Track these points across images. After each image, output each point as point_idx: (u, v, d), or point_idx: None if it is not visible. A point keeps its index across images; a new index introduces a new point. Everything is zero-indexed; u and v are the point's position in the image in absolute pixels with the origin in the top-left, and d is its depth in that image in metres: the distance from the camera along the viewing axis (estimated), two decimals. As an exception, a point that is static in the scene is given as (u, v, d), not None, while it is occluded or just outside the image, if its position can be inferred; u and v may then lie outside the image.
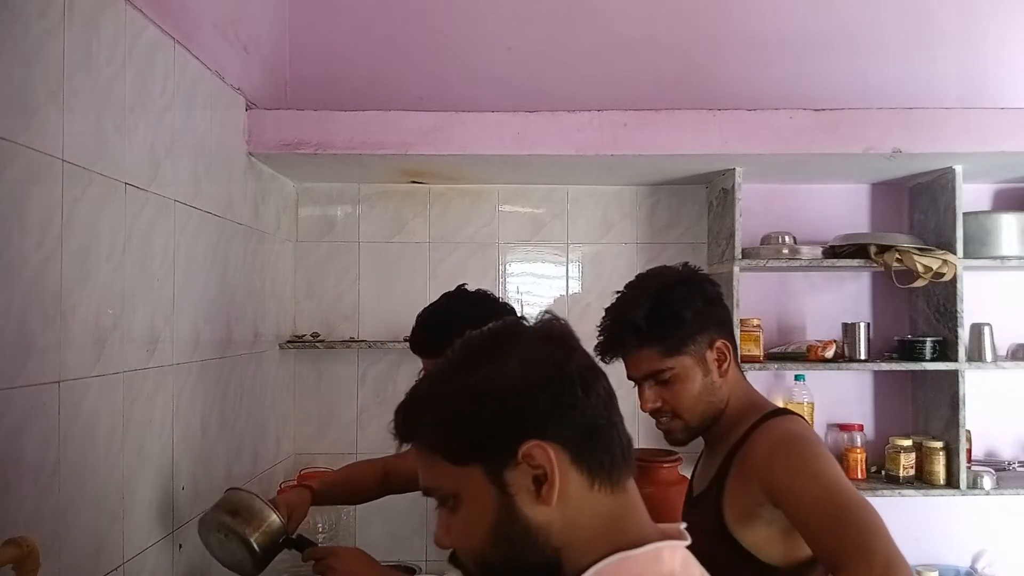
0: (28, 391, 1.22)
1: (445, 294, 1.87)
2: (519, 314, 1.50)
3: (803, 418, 1.50)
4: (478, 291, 1.82)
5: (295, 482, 2.36)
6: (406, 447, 0.87)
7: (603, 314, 1.49)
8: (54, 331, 1.29)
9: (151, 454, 1.63)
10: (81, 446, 1.37)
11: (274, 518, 1.61)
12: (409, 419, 0.86)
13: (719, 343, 1.44)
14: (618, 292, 1.51)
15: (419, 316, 1.84)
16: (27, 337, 1.22)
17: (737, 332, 2.35)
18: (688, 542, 0.86)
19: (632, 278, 1.55)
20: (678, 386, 1.43)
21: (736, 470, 1.39)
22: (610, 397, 0.86)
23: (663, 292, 1.44)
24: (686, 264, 1.53)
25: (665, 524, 0.89)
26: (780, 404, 2.57)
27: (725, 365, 1.44)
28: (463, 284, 1.86)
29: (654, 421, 1.49)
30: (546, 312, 0.96)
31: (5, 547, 1.13)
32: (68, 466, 1.32)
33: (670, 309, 1.41)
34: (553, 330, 0.89)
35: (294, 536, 1.66)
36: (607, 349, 1.44)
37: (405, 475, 1.92)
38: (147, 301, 1.61)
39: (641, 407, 1.46)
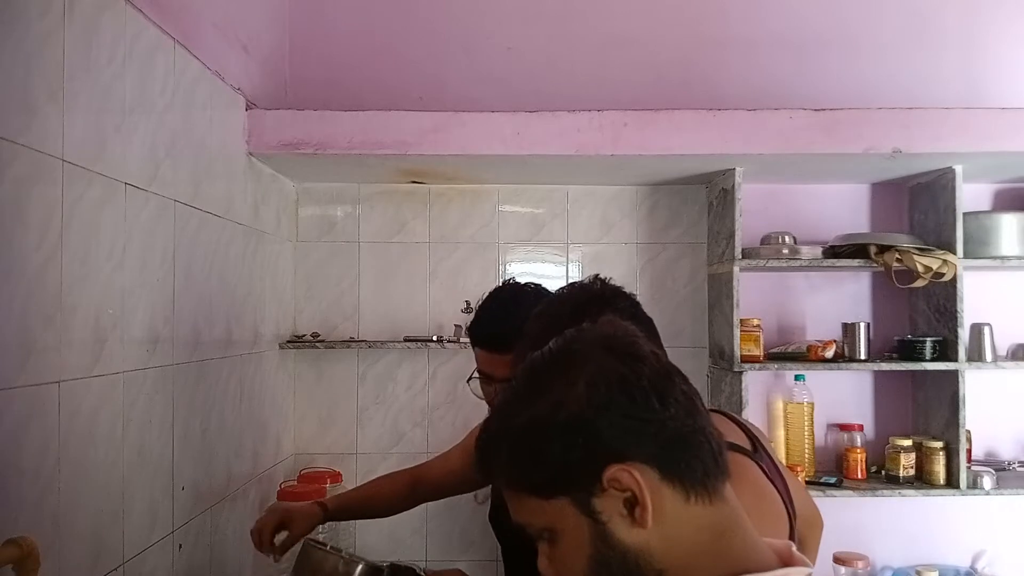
0: (28, 391, 1.23)
1: (497, 287, 1.82)
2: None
3: (733, 448, 1.29)
4: (531, 284, 1.76)
5: (295, 482, 2.37)
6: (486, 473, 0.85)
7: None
8: (54, 331, 1.29)
9: (151, 454, 1.63)
10: (81, 446, 1.37)
11: (360, 568, 1.55)
12: (486, 458, 0.84)
13: None
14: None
15: (477, 309, 1.77)
16: (27, 337, 1.22)
17: (737, 332, 2.36)
18: (811, 569, 0.82)
19: (630, 279, 1.49)
20: None
21: None
22: (690, 399, 0.82)
23: (579, 317, 1.31)
24: (596, 278, 1.39)
25: (774, 541, 0.85)
26: (780, 405, 2.59)
27: None
28: (512, 278, 1.83)
29: None
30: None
31: (5, 547, 1.13)
32: (68, 466, 1.32)
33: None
34: (615, 339, 0.84)
35: (389, 565, 1.57)
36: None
37: (435, 482, 1.90)
38: (147, 301, 1.62)
39: None
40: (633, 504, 0.77)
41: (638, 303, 1.35)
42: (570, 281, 1.56)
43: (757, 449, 1.27)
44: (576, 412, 0.78)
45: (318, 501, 1.85)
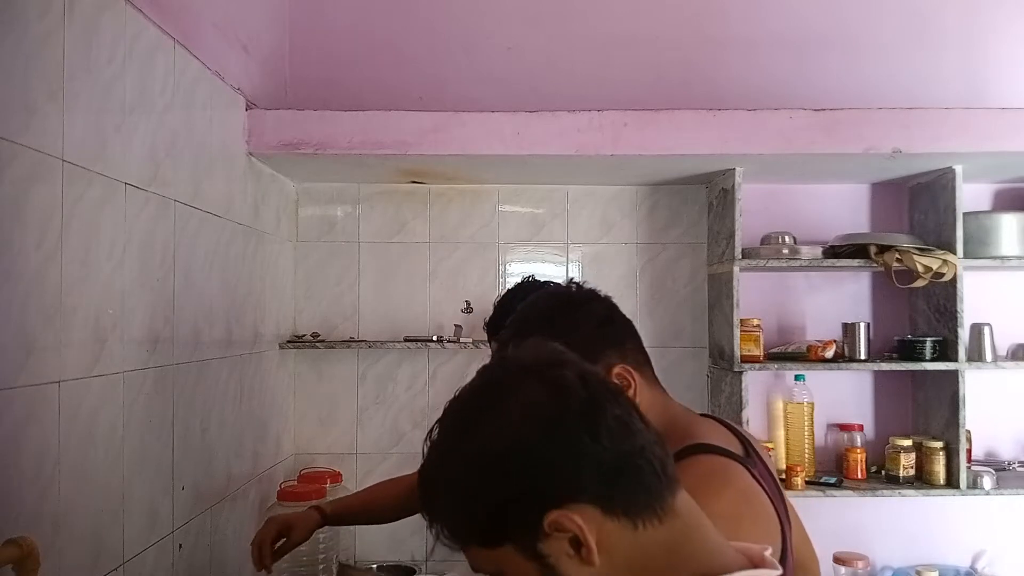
0: (28, 391, 1.22)
1: (517, 283, 1.82)
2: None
3: (723, 453, 1.23)
4: (551, 281, 1.73)
5: (295, 482, 2.37)
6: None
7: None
8: (54, 331, 1.29)
9: (151, 454, 1.63)
10: (81, 446, 1.37)
11: None
12: (428, 508, 0.82)
13: (617, 369, 1.27)
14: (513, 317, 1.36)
15: (495, 303, 1.79)
16: (27, 337, 1.22)
17: (737, 332, 2.36)
18: (779, 572, 0.80)
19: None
20: None
21: None
22: (622, 423, 0.78)
23: (546, 325, 1.27)
24: (571, 282, 1.39)
25: (748, 545, 0.83)
26: (780, 405, 2.59)
27: (630, 390, 1.27)
28: (531, 276, 1.83)
29: None
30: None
31: (5, 547, 1.13)
32: (68, 466, 1.32)
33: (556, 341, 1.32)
34: (538, 370, 0.80)
35: None
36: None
37: None
38: (147, 301, 1.62)
39: None
40: (579, 544, 0.75)
41: (613, 306, 1.33)
42: (550, 285, 1.54)
43: (749, 455, 1.26)
44: (502, 459, 0.76)
45: (316, 506, 1.84)
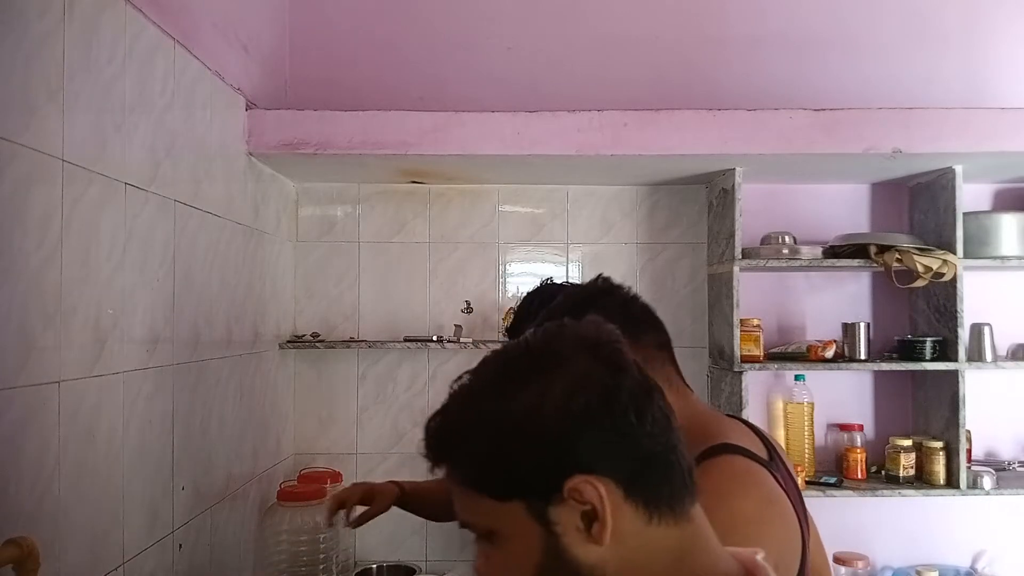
0: (28, 391, 1.22)
1: (536, 287, 1.78)
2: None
3: (752, 455, 1.22)
4: (568, 283, 1.74)
5: (295, 482, 2.37)
6: (440, 472, 0.80)
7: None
8: (54, 331, 1.29)
9: (151, 454, 1.63)
10: (81, 446, 1.37)
11: None
12: (441, 446, 0.79)
13: None
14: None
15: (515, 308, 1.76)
16: (27, 337, 1.22)
17: (737, 332, 2.36)
18: None
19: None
20: None
21: None
22: (666, 418, 0.78)
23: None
24: (597, 278, 1.36)
25: (736, 549, 0.82)
26: (780, 405, 2.59)
27: None
28: (550, 278, 1.81)
29: None
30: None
31: (5, 547, 1.13)
32: (68, 466, 1.32)
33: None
34: (601, 343, 0.79)
35: None
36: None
37: None
38: (147, 301, 1.62)
39: None
40: (592, 519, 0.73)
41: (633, 297, 1.31)
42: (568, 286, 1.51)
43: (773, 458, 1.25)
44: (551, 418, 0.74)
45: (395, 481, 1.85)
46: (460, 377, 0.82)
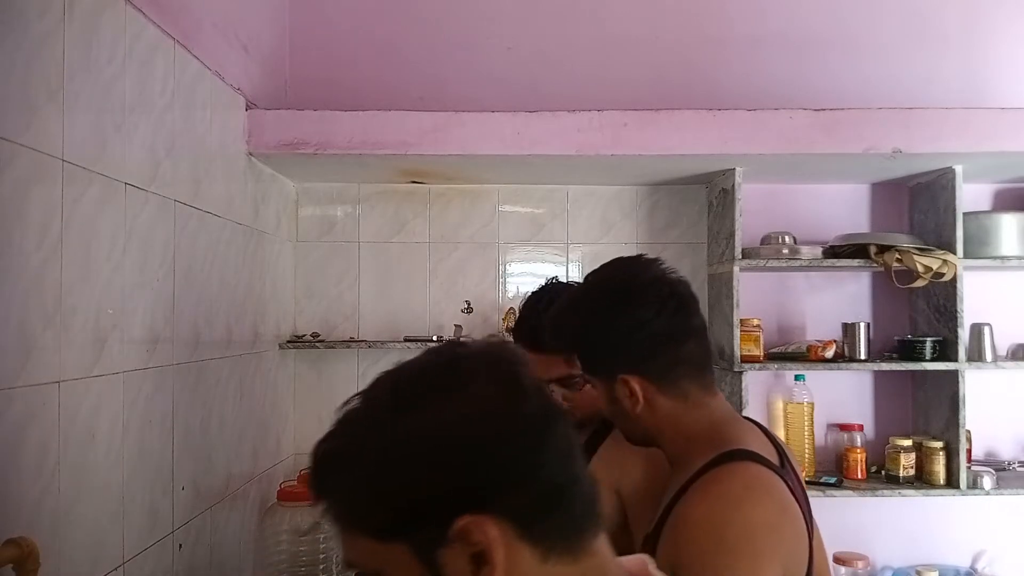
0: (28, 391, 1.22)
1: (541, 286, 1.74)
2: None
3: (767, 462, 1.22)
4: (574, 282, 1.69)
5: (295, 482, 2.37)
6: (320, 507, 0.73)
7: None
8: (54, 331, 1.29)
9: (151, 454, 1.63)
10: (81, 446, 1.37)
11: None
12: (321, 479, 0.72)
13: (625, 378, 1.26)
14: (579, 283, 1.44)
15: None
16: (27, 337, 1.22)
17: (737, 332, 2.36)
18: None
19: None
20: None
21: (670, 520, 1.20)
22: (569, 446, 0.72)
23: (588, 309, 1.31)
24: (638, 262, 1.33)
25: (627, 559, 0.79)
26: (780, 405, 2.59)
27: (637, 405, 1.26)
28: (555, 278, 1.76)
29: None
30: (491, 336, 0.81)
31: (5, 547, 1.13)
32: (68, 466, 1.32)
33: (581, 330, 1.31)
34: (500, 365, 0.72)
35: None
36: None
37: None
38: (147, 301, 1.62)
39: None
40: (481, 561, 0.67)
41: (672, 296, 1.28)
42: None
43: (784, 465, 1.26)
44: (439, 450, 0.68)
45: None
46: (350, 400, 0.75)
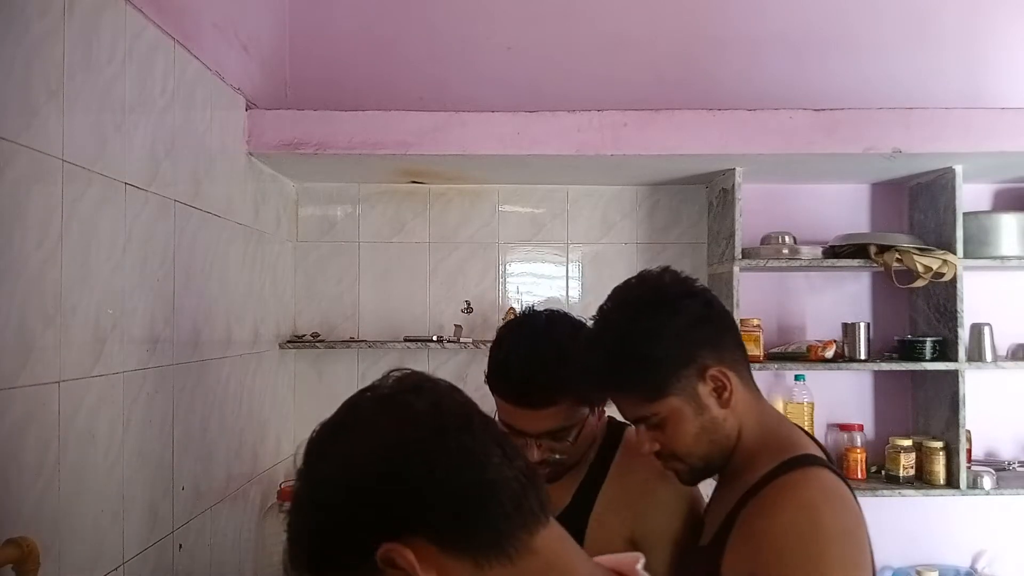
0: (28, 391, 1.22)
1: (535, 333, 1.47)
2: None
3: (832, 468, 1.20)
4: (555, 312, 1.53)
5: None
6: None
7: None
8: (54, 331, 1.29)
9: (151, 454, 1.63)
10: (81, 446, 1.37)
11: None
12: (286, 544, 0.77)
13: (712, 371, 1.21)
14: (591, 318, 1.31)
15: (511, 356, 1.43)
16: (27, 337, 1.22)
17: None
18: None
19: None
20: (671, 429, 1.22)
21: (739, 529, 1.16)
22: (470, 456, 0.72)
23: (627, 328, 1.22)
24: (664, 272, 1.31)
25: (616, 557, 0.79)
26: (780, 405, 2.59)
27: (726, 394, 1.21)
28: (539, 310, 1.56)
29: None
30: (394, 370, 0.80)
31: (5, 547, 1.13)
32: (68, 466, 1.32)
33: (636, 350, 1.20)
34: (388, 399, 0.76)
35: None
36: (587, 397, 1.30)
37: None
38: (147, 301, 1.61)
39: (639, 450, 1.29)
40: None
41: (711, 300, 1.26)
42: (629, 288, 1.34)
43: (831, 460, 1.25)
44: (338, 489, 0.72)
45: None
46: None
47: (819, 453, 1.22)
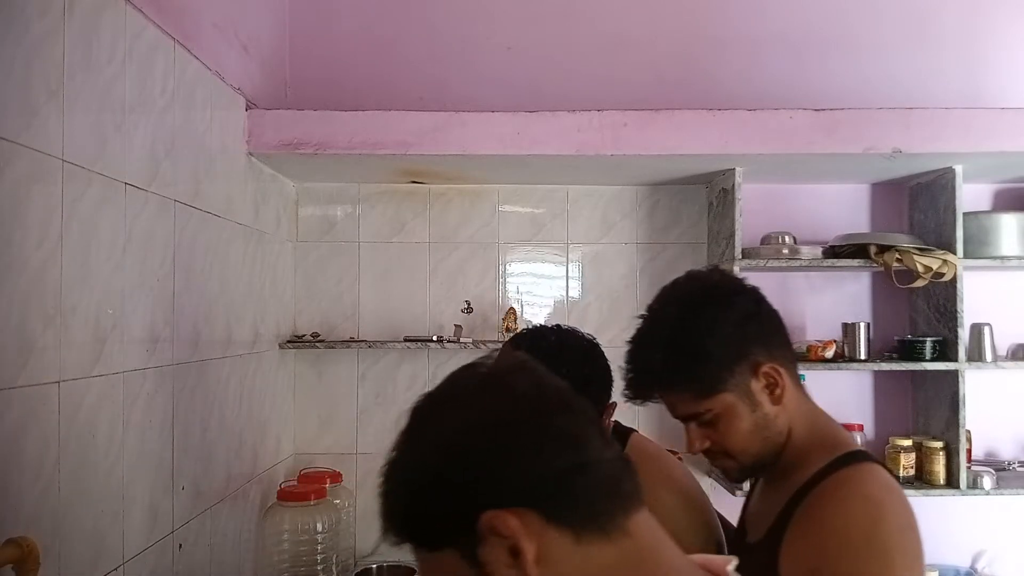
0: (28, 391, 1.22)
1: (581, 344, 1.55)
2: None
3: (883, 465, 1.22)
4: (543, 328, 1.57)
5: (295, 482, 2.37)
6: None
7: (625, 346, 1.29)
8: (54, 331, 1.29)
9: (151, 454, 1.63)
10: (81, 446, 1.37)
11: None
12: (380, 502, 0.79)
13: (765, 367, 1.21)
14: (639, 316, 1.29)
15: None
16: (27, 337, 1.22)
17: (737, 332, 2.36)
18: None
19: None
20: (723, 426, 1.22)
21: (797, 525, 1.17)
22: (572, 436, 0.76)
23: (681, 323, 1.22)
24: (713, 271, 1.30)
25: (707, 557, 0.81)
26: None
27: (778, 391, 1.22)
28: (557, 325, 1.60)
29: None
30: (494, 351, 0.85)
31: (5, 547, 1.13)
32: (68, 466, 1.32)
33: (692, 345, 1.20)
34: (493, 376, 0.80)
35: None
36: (634, 395, 1.27)
37: None
38: (147, 301, 1.62)
39: (687, 448, 1.28)
40: (517, 551, 0.72)
41: (760, 298, 1.26)
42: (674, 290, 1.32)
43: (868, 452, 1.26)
44: (446, 458, 0.75)
45: None
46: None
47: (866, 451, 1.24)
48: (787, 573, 1.15)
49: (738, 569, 0.86)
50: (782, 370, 1.22)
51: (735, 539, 1.37)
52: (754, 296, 1.26)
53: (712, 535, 1.48)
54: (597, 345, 1.57)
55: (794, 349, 1.29)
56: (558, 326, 1.56)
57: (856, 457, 1.19)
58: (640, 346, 1.26)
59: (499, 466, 0.74)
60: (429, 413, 0.79)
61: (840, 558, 1.09)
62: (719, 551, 1.42)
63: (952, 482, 2.40)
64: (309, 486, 2.29)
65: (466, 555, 0.73)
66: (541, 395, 0.78)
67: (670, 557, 0.78)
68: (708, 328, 1.20)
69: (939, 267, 2.34)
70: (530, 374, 0.80)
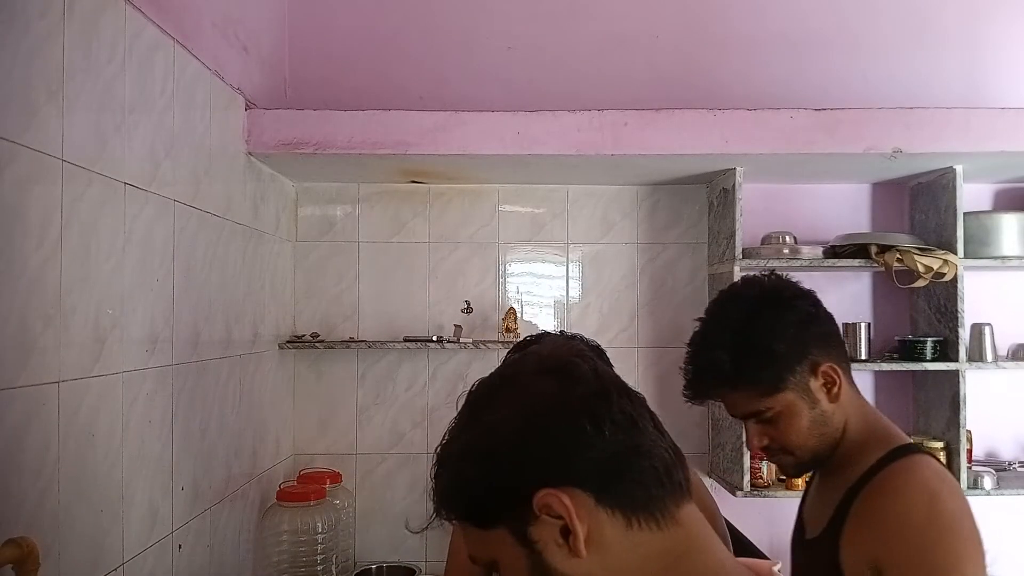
0: (28, 391, 1.22)
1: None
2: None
3: (936, 457, 1.27)
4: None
5: (295, 482, 2.37)
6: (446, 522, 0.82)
7: (685, 350, 1.34)
8: (54, 331, 1.29)
9: (151, 454, 1.63)
10: (81, 446, 1.37)
11: None
12: (434, 489, 0.81)
13: (824, 367, 1.27)
14: (698, 319, 1.35)
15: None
16: (27, 337, 1.22)
17: (737, 332, 2.36)
18: None
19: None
20: (783, 423, 1.28)
21: (856, 517, 1.22)
22: (631, 421, 0.77)
23: (746, 324, 1.27)
24: (771, 276, 1.35)
25: (752, 560, 0.82)
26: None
27: (835, 389, 1.28)
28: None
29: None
30: (545, 334, 0.87)
31: (5, 547, 1.13)
32: (68, 466, 1.32)
33: (757, 345, 1.25)
34: (551, 360, 0.81)
35: None
36: (695, 395, 1.32)
37: None
38: (147, 301, 1.61)
39: (747, 445, 1.36)
40: (568, 532, 0.73)
41: (817, 302, 1.32)
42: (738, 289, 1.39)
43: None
44: (504, 438, 0.76)
45: None
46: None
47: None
48: (848, 566, 1.20)
49: (800, 566, 0.87)
50: (839, 369, 1.29)
51: (794, 537, 1.41)
52: (812, 299, 1.32)
53: (721, 540, 1.50)
54: (603, 353, 1.63)
55: (846, 350, 1.36)
56: (562, 332, 1.60)
57: (908, 449, 1.25)
58: (704, 347, 1.31)
59: (555, 446, 0.75)
60: (487, 396, 0.81)
61: (900, 547, 1.14)
62: None
63: (952, 482, 2.40)
64: (308, 486, 2.29)
65: (517, 533, 0.75)
66: (599, 379, 0.79)
67: (717, 552, 0.79)
68: (772, 329, 1.26)
69: (940, 267, 2.34)
70: (587, 360, 0.81)
